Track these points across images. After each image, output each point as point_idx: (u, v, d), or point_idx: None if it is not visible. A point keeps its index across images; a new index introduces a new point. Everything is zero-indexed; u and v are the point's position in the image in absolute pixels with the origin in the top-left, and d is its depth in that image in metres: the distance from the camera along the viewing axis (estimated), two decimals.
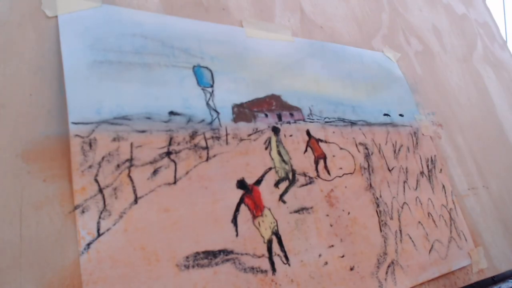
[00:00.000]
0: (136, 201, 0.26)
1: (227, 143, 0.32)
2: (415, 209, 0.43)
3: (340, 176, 0.38)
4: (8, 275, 0.21)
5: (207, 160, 0.30)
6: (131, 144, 0.27)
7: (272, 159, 0.34)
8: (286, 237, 0.32)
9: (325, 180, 0.37)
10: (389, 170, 0.43)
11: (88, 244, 0.24)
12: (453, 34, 0.71)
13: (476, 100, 0.65)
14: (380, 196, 0.41)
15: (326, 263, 0.33)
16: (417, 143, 0.48)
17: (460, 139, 0.56)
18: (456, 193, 0.49)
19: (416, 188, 0.45)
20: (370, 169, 0.41)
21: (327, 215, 0.35)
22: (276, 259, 0.30)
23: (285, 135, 0.36)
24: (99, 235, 0.24)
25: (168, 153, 0.29)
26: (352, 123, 0.43)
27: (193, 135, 0.31)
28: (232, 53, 0.37)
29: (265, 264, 0.30)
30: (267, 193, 0.32)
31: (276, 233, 0.31)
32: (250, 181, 0.32)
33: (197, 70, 0.33)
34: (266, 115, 0.36)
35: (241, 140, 0.33)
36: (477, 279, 0.44)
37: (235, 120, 0.34)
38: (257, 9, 0.43)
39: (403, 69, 0.55)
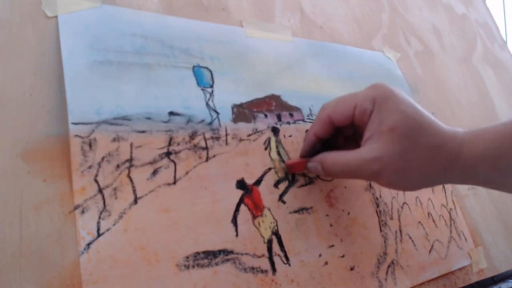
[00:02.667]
0: (136, 201, 0.26)
1: (226, 143, 0.32)
2: (415, 209, 0.43)
3: None
4: (8, 275, 0.21)
5: (206, 160, 0.30)
6: (131, 145, 0.27)
7: (272, 159, 0.34)
8: (286, 237, 0.32)
9: (325, 180, 0.37)
10: None
11: (88, 244, 0.24)
12: (453, 34, 0.71)
13: (476, 100, 0.65)
14: (380, 196, 0.41)
15: (326, 263, 0.33)
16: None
17: None
18: (456, 193, 0.49)
19: None
20: None
21: (327, 215, 0.35)
22: (276, 259, 0.30)
23: (284, 136, 0.36)
24: (99, 235, 0.24)
25: (168, 154, 0.29)
26: None
27: (192, 136, 0.31)
28: (232, 53, 0.37)
29: (265, 264, 0.30)
30: (267, 193, 0.32)
31: (276, 233, 0.31)
32: (249, 181, 0.32)
33: (197, 71, 0.33)
34: (266, 116, 0.36)
35: (241, 140, 0.33)
36: (477, 279, 0.44)
37: (235, 120, 0.34)
38: (257, 9, 0.43)
39: (403, 69, 0.55)
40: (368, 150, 0.29)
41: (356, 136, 0.33)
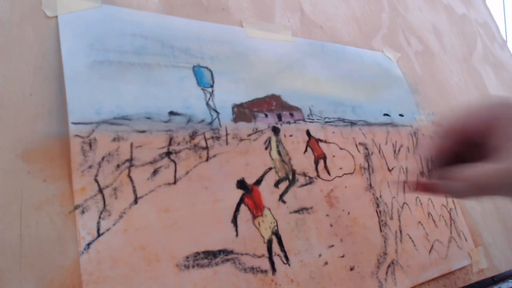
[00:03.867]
0: (136, 201, 0.26)
1: (227, 143, 0.32)
2: (415, 209, 0.43)
3: (340, 176, 0.38)
4: (8, 275, 0.21)
5: (207, 160, 0.30)
6: (131, 144, 0.27)
7: (272, 159, 0.34)
8: (286, 237, 0.32)
9: (325, 180, 0.37)
10: (389, 170, 0.43)
11: (88, 244, 0.24)
12: (453, 34, 0.71)
13: (476, 100, 0.65)
14: (380, 196, 0.41)
15: (326, 263, 0.33)
16: (417, 143, 0.48)
17: None
18: None
19: None
20: (370, 169, 0.41)
21: (327, 215, 0.35)
22: (276, 259, 0.30)
23: (285, 135, 0.36)
24: (99, 235, 0.24)
25: (168, 153, 0.29)
26: (352, 123, 0.43)
27: (193, 135, 0.31)
28: (232, 53, 0.37)
29: (265, 264, 0.30)
30: (267, 193, 0.32)
31: (276, 233, 0.31)
32: (250, 181, 0.32)
33: (197, 70, 0.33)
34: (266, 115, 0.36)
35: (241, 140, 0.33)
36: (477, 279, 0.44)
37: (235, 120, 0.34)
38: (257, 9, 0.43)
39: (403, 69, 0.55)
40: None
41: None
